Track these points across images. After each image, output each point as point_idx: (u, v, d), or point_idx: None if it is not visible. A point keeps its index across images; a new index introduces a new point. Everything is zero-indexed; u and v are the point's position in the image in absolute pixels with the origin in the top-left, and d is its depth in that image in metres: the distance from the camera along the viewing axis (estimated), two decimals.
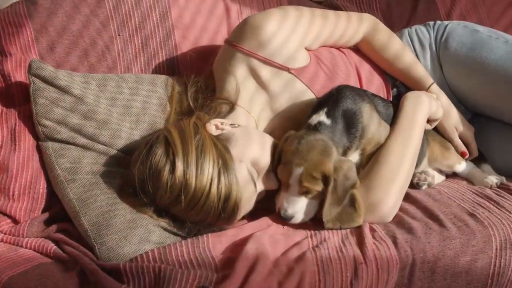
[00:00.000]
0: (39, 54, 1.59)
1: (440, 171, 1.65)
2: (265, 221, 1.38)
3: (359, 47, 1.72)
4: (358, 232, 1.31)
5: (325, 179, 1.31)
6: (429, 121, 1.58)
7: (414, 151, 1.45)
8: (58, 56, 1.61)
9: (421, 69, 1.67)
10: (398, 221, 1.36)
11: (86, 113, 1.44)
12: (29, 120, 1.45)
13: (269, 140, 1.43)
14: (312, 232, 1.33)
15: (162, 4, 1.75)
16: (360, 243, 1.27)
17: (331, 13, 1.64)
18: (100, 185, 1.38)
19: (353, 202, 1.34)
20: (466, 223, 1.33)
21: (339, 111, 1.39)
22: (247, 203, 1.36)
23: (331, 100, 1.42)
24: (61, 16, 1.63)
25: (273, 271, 1.19)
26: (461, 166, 1.62)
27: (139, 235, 1.29)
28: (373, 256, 1.23)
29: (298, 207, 1.34)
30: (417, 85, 1.65)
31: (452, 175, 1.67)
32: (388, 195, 1.36)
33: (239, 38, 1.52)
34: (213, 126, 1.40)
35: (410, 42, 1.78)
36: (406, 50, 1.69)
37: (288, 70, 1.54)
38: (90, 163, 1.42)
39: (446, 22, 1.80)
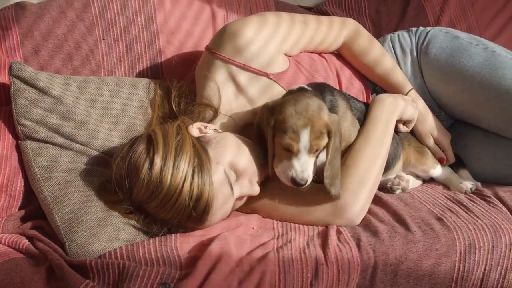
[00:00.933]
0: (23, 57, 1.63)
1: (417, 176, 1.66)
2: (234, 221, 1.40)
3: (340, 52, 1.72)
4: (324, 234, 1.33)
5: (328, 134, 1.33)
6: (405, 123, 1.58)
7: (384, 155, 1.45)
8: (42, 59, 1.65)
9: (400, 75, 1.67)
10: (365, 224, 1.37)
11: (64, 114, 1.47)
12: (10, 120, 1.50)
13: (250, 145, 1.44)
14: (280, 233, 1.35)
15: (148, 9, 1.79)
16: (324, 244, 1.28)
17: (312, 19, 1.64)
18: (75, 183, 1.41)
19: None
20: (431, 227, 1.33)
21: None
22: (222, 206, 1.36)
23: (311, 86, 1.46)
24: (47, 20, 1.67)
25: (234, 270, 1.20)
26: (436, 171, 1.63)
27: (108, 233, 1.32)
28: (334, 258, 1.24)
29: (310, 168, 1.33)
30: (395, 91, 1.66)
31: (429, 180, 1.68)
32: (357, 198, 1.37)
33: (218, 45, 1.54)
34: (196, 129, 1.43)
35: (391, 48, 1.79)
36: (385, 56, 1.69)
37: (267, 75, 1.56)
38: (66, 161, 1.45)
39: (428, 28, 1.79)
